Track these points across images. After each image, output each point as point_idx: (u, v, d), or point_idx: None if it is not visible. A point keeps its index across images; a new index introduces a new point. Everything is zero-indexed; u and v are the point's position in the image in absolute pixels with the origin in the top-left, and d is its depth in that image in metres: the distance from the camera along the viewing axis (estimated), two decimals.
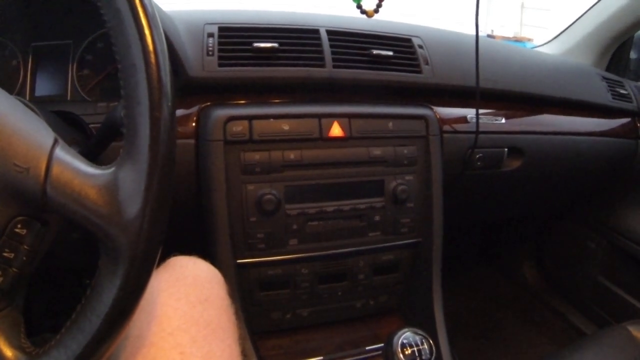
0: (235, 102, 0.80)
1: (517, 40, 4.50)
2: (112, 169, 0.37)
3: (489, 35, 4.72)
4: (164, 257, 0.59)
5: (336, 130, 0.80)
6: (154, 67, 0.36)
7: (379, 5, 0.72)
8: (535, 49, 1.41)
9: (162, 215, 0.38)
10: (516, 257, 1.60)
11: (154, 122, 0.36)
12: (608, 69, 1.32)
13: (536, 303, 1.50)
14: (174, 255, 0.60)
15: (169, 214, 0.38)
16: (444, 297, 0.91)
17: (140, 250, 0.36)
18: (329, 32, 0.86)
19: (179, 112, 0.77)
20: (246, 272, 0.81)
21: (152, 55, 0.36)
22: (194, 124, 0.77)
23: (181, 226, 0.87)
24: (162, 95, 0.37)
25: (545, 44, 1.38)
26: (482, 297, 1.52)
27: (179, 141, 0.75)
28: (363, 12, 0.73)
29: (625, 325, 0.84)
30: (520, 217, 1.50)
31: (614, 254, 1.29)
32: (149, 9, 0.37)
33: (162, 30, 0.38)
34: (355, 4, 0.72)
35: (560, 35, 1.35)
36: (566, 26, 1.34)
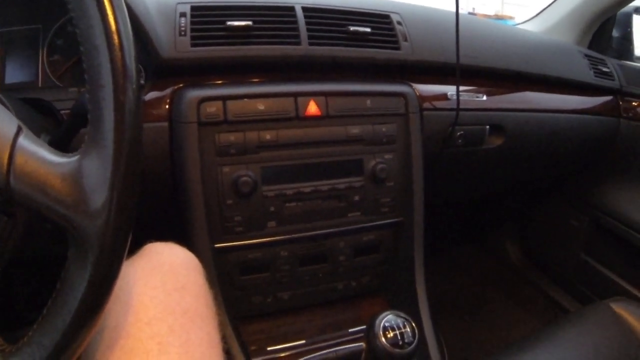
0: (210, 82, 0.78)
1: (499, 18, 4.49)
2: (77, 156, 0.36)
3: (470, 13, 4.72)
4: (141, 244, 0.57)
5: (313, 109, 0.78)
6: (117, 49, 0.35)
7: None
8: (517, 26, 1.39)
9: (130, 202, 0.36)
10: (500, 235, 1.61)
11: (119, 106, 0.35)
12: (590, 47, 1.31)
13: (520, 280, 1.50)
14: (150, 242, 0.59)
15: (138, 200, 0.37)
16: (427, 277, 0.90)
17: (108, 240, 0.35)
18: (305, 9, 0.83)
19: (152, 94, 0.75)
20: (225, 256, 0.79)
21: (115, 36, 0.35)
22: (167, 107, 0.75)
23: (158, 212, 0.85)
24: (126, 78, 0.35)
25: (527, 21, 1.37)
26: (466, 275, 1.53)
27: (152, 124, 0.73)
28: None
29: (608, 303, 0.84)
30: (503, 194, 1.50)
31: (597, 232, 1.30)
32: None
33: (125, 10, 0.36)
34: None
35: (542, 13, 1.33)
36: (548, 3, 1.32)
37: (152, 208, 0.85)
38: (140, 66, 0.74)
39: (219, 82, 0.78)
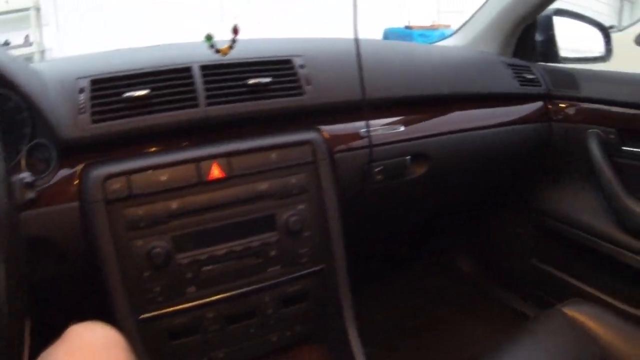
0: (116, 157, 0.77)
1: (435, 28, 4.53)
2: None
3: (406, 27, 4.74)
4: (67, 326, 0.58)
5: (216, 172, 0.77)
6: None
7: (233, 41, 0.70)
8: (441, 42, 1.40)
9: (17, 302, 0.35)
10: (450, 250, 1.61)
11: None
12: (516, 54, 1.32)
13: (475, 293, 1.51)
14: (74, 323, 0.59)
15: (26, 297, 0.36)
16: (380, 304, 0.89)
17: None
18: (203, 68, 0.82)
19: (62, 173, 0.74)
20: (151, 325, 0.79)
21: None
22: (76, 186, 0.74)
23: (81, 291, 0.85)
24: None
25: (450, 35, 1.37)
26: (421, 295, 1.52)
27: (63, 206, 0.73)
28: (217, 51, 0.70)
29: (560, 308, 0.84)
30: (443, 214, 1.50)
31: (543, 236, 1.30)
32: None
33: None
34: (207, 45, 0.69)
35: (464, 27, 1.34)
36: (470, 16, 1.33)
37: (75, 288, 0.85)
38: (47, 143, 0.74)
39: (124, 155, 0.78)
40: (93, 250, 0.74)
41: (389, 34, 4.69)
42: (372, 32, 4.56)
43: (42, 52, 5.08)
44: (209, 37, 0.67)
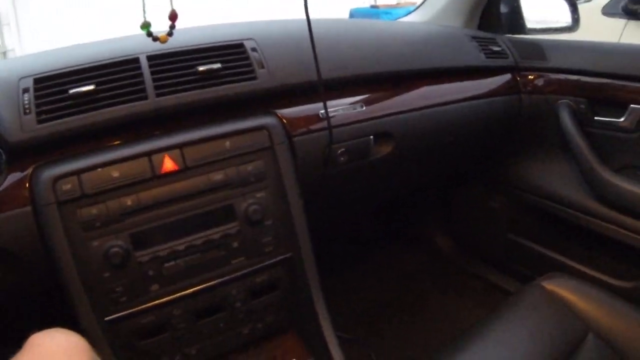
0: (66, 156, 0.74)
1: (400, 6, 4.49)
2: None
3: (372, 6, 4.70)
4: (27, 336, 0.55)
5: (169, 165, 0.75)
6: None
7: (172, 27, 0.66)
8: (403, 18, 1.37)
9: None
10: (427, 227, 1.60)
11: None
12: (481, 27, 1.29)
13: (455, 270, 1.50)
14: (34, 332, 0.56)
15: None
16: (355, 285, 0.87)
17: None
18: (150, 58, 0.80)
19: (13, 177, 0.72)
20: (118, 326, 0.77)
21: None
22: (27, 189, 0.71)
23: (43, 297, 0.82)
24: None
25: (413, 11, 1.34)
26: (399, 274, 1.52)
27: (15, 211, 0.70)
28: (155, 39, 0.66)
29: (539, 282, 0.84)
30: (412, 193, 1.49)
31: (517, 210, 1.30)
32: None
33: None
34: (144, 32, 0.65)
35: (428, 0, 1.31)
36: None
37: (36, 295, 0.82)
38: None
39: (73, 154, 0.75)
40: (50, 254, 0.71)
41: (354, 14, 4.64)
42: (339, 13, 4.50)
43: (4, 54, 4.93)
44: (145, 25, 0.64)
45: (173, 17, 0.65)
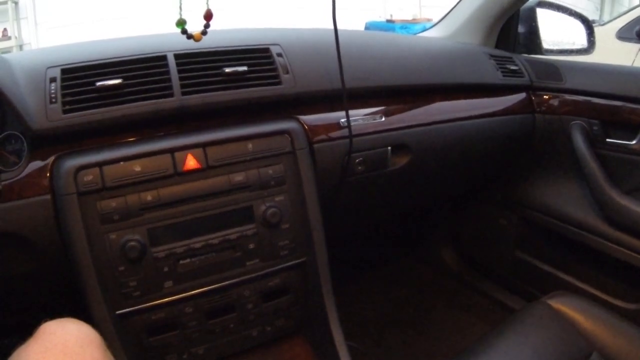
0: (88, 147, 0.75)
1: (416, 22, 4.54)
2: None
3: (388, 21, 4.74)
4: (39, 324, 0.56)
5: (191, 163, 0.75)
6: None
7: (206, 27, 0.67)
8: (421, 33, 1.39)
9: None
10: (434, 242, 1.60)
11: None
12: (498, 46, 1.31)
13: (460, 286, 1.50)
14: (46, 321, 0.57)
15: None
16: (363, 298, 0.87)
17: None
18: (177, 57, 0.81)
19: (33, 165, 0.72)
20: (128, 321, 0.77)
21: None
22: (48, 178, 0.72)
23: (57, 286, 0.82)
24: None
25: (432, 27, 1.36)
26: (405, 288, 1.52)
27: (35, 199, 0.71)
28: (189, 36, 0.68)
29: (545, 300, 0.84)
30: (427, 205, 1.49)
31: (525, 228, 1.30)
32: None
33: None
34: (179, 30, 0.66)
35: (446, 18, 1.33)
36: (452, 7, 1.32)
37: (49, 284, 0.82)
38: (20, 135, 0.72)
39: (96, 146, 0.76)
40: (67, 244, 0.72)
41: (370, 28, 4.69)
42: (354, 26, 4.54)
43: (21, 47, 4.97)
44: (180, 23, 0.65)
45: (208, 16, 0.66)
